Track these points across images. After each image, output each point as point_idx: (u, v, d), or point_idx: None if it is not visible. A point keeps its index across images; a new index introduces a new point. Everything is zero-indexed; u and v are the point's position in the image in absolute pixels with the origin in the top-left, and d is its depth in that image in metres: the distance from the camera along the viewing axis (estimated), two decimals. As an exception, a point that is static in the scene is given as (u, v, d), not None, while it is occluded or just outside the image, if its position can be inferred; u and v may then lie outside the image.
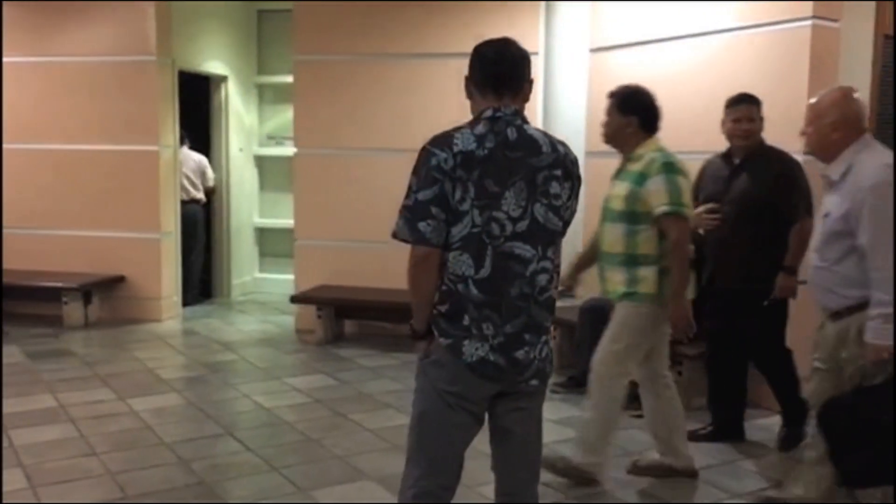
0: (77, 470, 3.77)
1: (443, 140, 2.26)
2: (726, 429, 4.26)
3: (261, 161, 8.51)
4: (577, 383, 5.03)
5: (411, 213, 2.24)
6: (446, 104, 6.15)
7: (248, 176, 8.41)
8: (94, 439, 4.16)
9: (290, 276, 7.89)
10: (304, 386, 5.19)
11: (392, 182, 6.36)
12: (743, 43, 4.93)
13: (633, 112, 3.52)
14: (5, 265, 6.85)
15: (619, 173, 3.58)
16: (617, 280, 3.51)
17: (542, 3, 6.19)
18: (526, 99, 2.39)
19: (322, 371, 5.55)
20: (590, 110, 5.94)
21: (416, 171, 2.26)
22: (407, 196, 2.26)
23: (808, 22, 4.60)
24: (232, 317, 7.39)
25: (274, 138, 8.45)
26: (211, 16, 7.67)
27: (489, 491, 2.67)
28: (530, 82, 2.39)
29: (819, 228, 3.15)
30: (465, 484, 2.50)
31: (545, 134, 2.37)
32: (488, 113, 2.30)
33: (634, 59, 5.62)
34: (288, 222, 7.96)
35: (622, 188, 3.48)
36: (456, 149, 2.22)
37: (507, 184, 2.25)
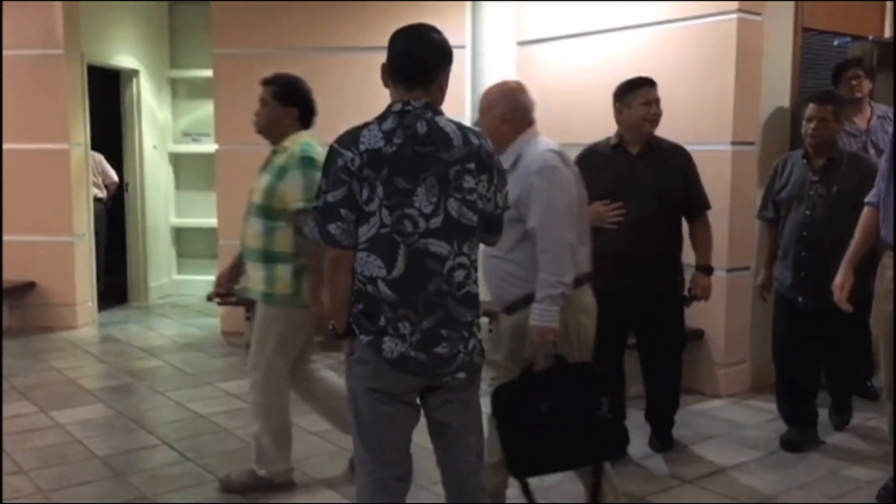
0: (6, 490, 3.52)
1: (349, 139, 2.23)
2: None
3: (176, 158, 8.21)
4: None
5: (322, 215, 2.24)
6: (367, 99, 6.06)
7: (162, 174, 8.10)
8: (20, 456, 3.91)
9: (210, 277, 7.65)
10: (239, 390, 5.01)
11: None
12: (670, 36, 5.02)
13: (294, 103, 3.46)
14: None
15: (265, 166, 3.47)
16: (256, 278, 3.40)
17: (469, 3, 6.17)
18: (442, 90, 2.34)
19: (255, 374, 5.38)
20: (518, 104, 5.95)
21: (325, 172, 2.25)
22: (316, 197, 2.26)
23: (734, 16, 4.72)
24: (151, 321, 7.11)
25: (189, 135, 8.16)
26: (120, 7, 7.34)
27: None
28: (447, 71, 2.33)
29: None
30: (419, 484, 2.47)
31: (459, 126, 2.33)
32: (397, 107, 2.27)
33: (561, 53, 5.66)
34: (206, 221, 7.75)
35: (263, 181, 3.39)
36: (362, 147, 2.20)
37: (419, 180, 2.22)
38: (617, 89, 3.75)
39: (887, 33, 5.54)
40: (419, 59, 2.28)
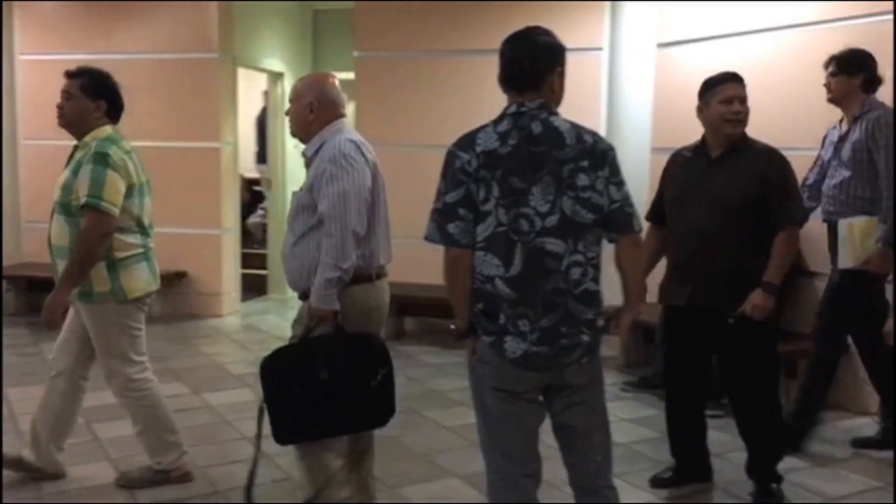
0: (163, 464, 3.80)
1: (466, 141, 2.32)
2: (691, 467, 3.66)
3: (315, 158, 8.53)
4: (647, 384, 4.99)
5: (441, 216, 2.30)
6: (504, 101, 6.13)
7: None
8: (177, 434, 4.19)
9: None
10: (373, 382, 5.19)
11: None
12: (821, 38, 4.84)
13: (102, 96, 3.40)
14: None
15: (68, 161, 3.41)
16: None
17: (608, 3, 6.14)
18: (554, 89, 2.37)
19: (388, 368, 5.55)
20: (656, 106, 5.89)
21: (443, 174, 2.33)
22: (436, 199, 2.33)
23: (889, 17, 4.51)
24: (289, 313, 7.39)
25: (329, 135, 8.47)
26: (268, 13, 7.72)
27: None
28: (558, 72, 2.36)
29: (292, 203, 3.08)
30: (553, 483, 2.51)
31: (573, 125, 2.35)
32: (512, 109, 2.34)
33: (703, 55, 5.55)
34: (343, 219, 8.03)
35: (62, 178, 3.33)
36: (479, 149, 2.27)
37: (534, 179, 2.26)
38: (700, 87, 3.41)
39: None
40: (525, 64, 2.35)
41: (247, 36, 7.32)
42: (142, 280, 3.40)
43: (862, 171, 3.89)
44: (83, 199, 3.19)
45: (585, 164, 2.30)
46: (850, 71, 4.01)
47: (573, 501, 2.56)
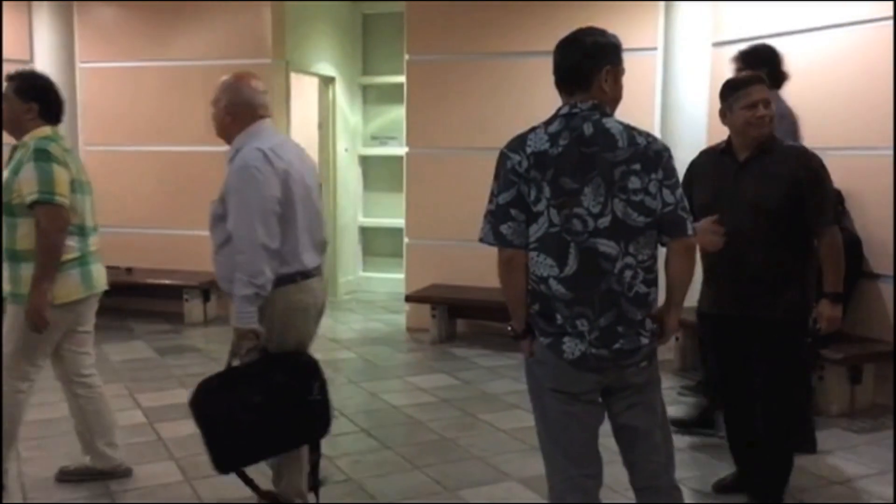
0: (227, 464, 3.85)
1: (517, 142, 2.33)
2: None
3: (365, 161, 8.60)
4: (705, 388, 4.91)
5: (494, 217, 2.31)
6: (556, 102, 6.11)
7: (352, 176, 8.51)
8: (237, 434, 4.24)
9: (394, 276, 7.99)
10: (428, 385, 5.21)
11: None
12: (881, 35, 4.73)
13: (34, 98, 3.40)
14: (131, 263, 7.05)
15: (7, 162, 3.40)
16: (5, 277, 3.31)
17: (662, 3, 6.08)
18: (604, 90, 2.34)
19: (442, 370, 5.56)
20: (711, 105, 5.79)
21: (496, 176, 2.34)
22: (490, 201, 2.34)
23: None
24: (340, 315, 7.48)
25: (378, 138, 8.53)
26: (319, 18, 7.79)
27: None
28: (609, 70, 2.33)
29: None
30: (612, 488, 2.49)
31: (626, 127, 2.33)
32: (564, 110, 2.34)
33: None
34: (391, 222, 8.09)
35: (3, 178, 3.31)
36: (529, 150, 2.28)
37: (585, 180, 2.25)
38: (721, 88, 3.29)
39: None
40: (571, 66, 2.35)
41: (298, 41, 7.39)
42: (68, 287, 3.37)
43: None
44: (34, 196, 3.21)
45: (637, 166, 2.28)
46: (754, 65, 3.96)
47: (634, 503, 2.54)
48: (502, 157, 2.33)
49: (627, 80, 2.45)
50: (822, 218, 3.14)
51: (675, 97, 6.12)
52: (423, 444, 4.17)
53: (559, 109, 2.36)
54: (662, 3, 6.07)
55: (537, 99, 6.29)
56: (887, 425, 4.40)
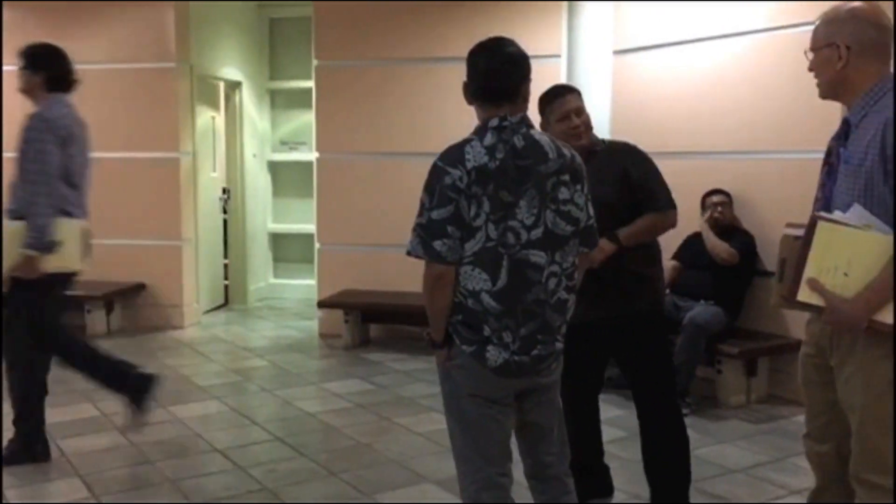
0: (136, 479, 3.77)
1: (454, 156, 2.27)
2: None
3: (274, 166, 8.50)
4: (614, 384, 5.06)
5: (425, 231, 2.26)
6: (466, 108, 6.19)
7: (261, 182, 8.40)
8: (146, 447, 4.15)
9: (305, 282, 7.94)
10: (342, 391, 5.20)
11: (415, 186, 6.42)
12: (775, 43, 4.99)
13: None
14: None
15: None
16: None
17: (565, 3, 6.24)
18: (525, 101, 2.39)
19: (356, 376, 5.56)
20: (615, 112, 6.00)
21: (428, 189, 2.28)
22: (420, 214, 2.29)
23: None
24: (252, 323, 7.38)
25: (287, 144, 8.45)
26: (224, 22, 7.67)
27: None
28: (528, 82, 2.38)
29: None
30: (518, 481, 2.56)
31: (551, 139, 2.39)
32: (494, 122, 2.31)
33: (659, 61, 5.68)
34: (301, 227, 8.02)
35: None
36: (469, 165, 2.24)
37: (520, 193, 2.27)
38: (537, 103, 3.14)
39: None
40: (503, 78, 2.34)
41: (203, 44, 7.25)
42: None
43: None
44: None
45: (567, 177, 2.35)
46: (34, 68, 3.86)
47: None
48: (439, 172, 2.26)
49: (533, 87, 2.51)
50: (654, 202, 3.11)
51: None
52: (339, 450, 4.16)
53: (487, 121, 2.32)
54: (565, 11, 6.24)
55: (446, 104, 6.38)
56: (782, 415, 4.64)
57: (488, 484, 2.43)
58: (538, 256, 2.29)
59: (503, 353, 2.31)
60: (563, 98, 3.10)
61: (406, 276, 6.41)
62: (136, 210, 6.91)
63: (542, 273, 2.30)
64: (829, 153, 2.38)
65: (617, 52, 6.00)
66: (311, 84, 6.93)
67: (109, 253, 6.89)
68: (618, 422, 4.44)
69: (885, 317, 2.13)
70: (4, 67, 7.02)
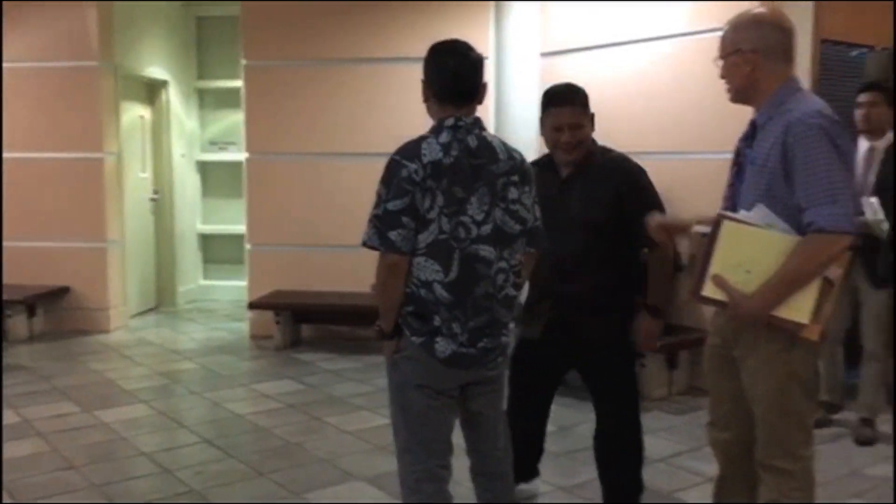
0: (59, 484, 3.70)
1: (411, 150, 2.38)
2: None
3: (203, 167, 8.40)
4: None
5: (381, 222, 2.35)
6: (396, 108, 6.25)
7: (190, 182, 8.29)
8: (69, 453, 4.07)
9: (236, 283, 7.86)
10: (273, 391, 5.19)
11: (346, 186, 6.49)
12: (693, 47, 5.16)
13: None
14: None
15: None
16: None
17: (492, 3, 6.32)
18: (480, 101, 2.50)
19: (287, 376, 5.55)
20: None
21: (385, 181, 2.37)
22: (376, 206, 2.38)
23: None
24: (181, 325, 7.28)
25: (216, 144, 8.36)
26: (149, 20, 7.54)
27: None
28: (485, 84, 2.49)
29: None
30: (456, 479, 2.62)
31: (502, 142, 2.51)
32: (450, 122, 2.42)
33: (585, 64, 5.81)
34: (232, 228, 7.95)
35: None
36: (425, 159, 2.35)
37: (472, 190, 2.38)
38: (542, 94, 3.07)
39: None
40: (469, 81, 2.44)
41: (127, 43, 7.12)
42: None
43: None
44: None
45: (516, 178, 2.46)
46: None
47: (474, 492, 2.68)
48: (396, 165, 2.35)
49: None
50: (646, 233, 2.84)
51: (507, 105, 6.40)
52: (269, 451, 4.16)
53: (443, 120, 2.41)
54: (493, 13, 6.33)
55: (376, 105, 6.42)
56: (701, 406, 4.80)
57: (428, 475, 2.50)
58: (487, 251, 2.40)
59: (451, 344, 2.40)
60: (562, 108, 2.93)
61: (337, 276, 6.43)
62: (60, 211, 6.76)
63: (491, 268, 2.41)
64: (737, 154, 2.48)
65: (544, 55, 6.13)
66: (240, 83, 6.88)
67: (32, 255, 6.77)
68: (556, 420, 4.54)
69: (784, 312, 2.23)
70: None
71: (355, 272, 6.38)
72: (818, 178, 2.17)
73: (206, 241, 8.49)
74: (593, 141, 3.05)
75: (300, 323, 6.52)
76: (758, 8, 2.46)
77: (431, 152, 2.36)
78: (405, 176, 2.33)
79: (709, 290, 2.31)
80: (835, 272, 2.22)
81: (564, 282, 2.98)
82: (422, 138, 2.41)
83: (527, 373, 3.14)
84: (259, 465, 3.93)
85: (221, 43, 8.09)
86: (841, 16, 5.21)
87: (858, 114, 4.20)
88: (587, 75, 5.81)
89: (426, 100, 2.49)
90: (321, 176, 6.57)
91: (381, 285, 2.41)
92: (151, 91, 7.77)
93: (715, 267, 2.29)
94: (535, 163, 3.06)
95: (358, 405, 4.89)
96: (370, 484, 3.72)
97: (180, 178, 8.08)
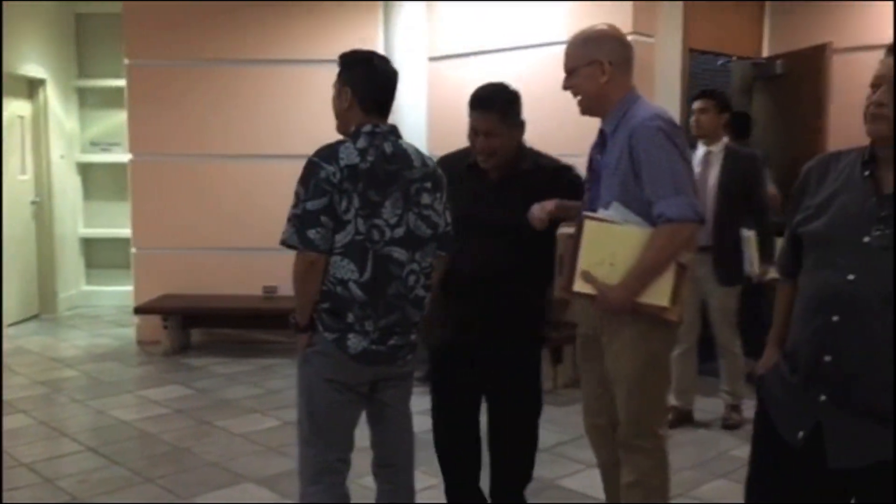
0: (-69, 499, 3.55)
1: (329, 154, 2.47)
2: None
3: (84, 168, 8.13)
4: (428, 378, 5.28)
5: (300, 221, 2.44)
6: (285, 110, 6.25)
7: (70, 184, 8.01)
8: (-59, 467, 3.91)
9: (121, 288, 7.64)
10: (161, 397, 5.10)
11: (235, 188, 6.43)
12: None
13: None
14: None
15: None
16: None
17: (380, 3, 6.37)
18: (390, 110, 2.62)
19: (176, 381, 5.46)
20: (430, 117, 6.24)
21: (303, 182, 2.45)
22: (295, 205, 2.46)
23: (630, 37, 5.08)
24: (63, 332, 7.03)
25: (98, 145, 8.10)
26: (24, 17, 7.22)
27: (370, 482, 2.86)
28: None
29: None
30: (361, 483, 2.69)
31: (416, 149, 2.63)
32: (367, 128, 2.51)
33: (471, 69, 5.96)
34: (116, 231, 7.73)
35: None
36: (342, 162, 2.44)
37: (387, 194, 2.49)
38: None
39: (764, 53, 6.07)
40: (390, 92, 2.57)
41: (3, 40, 6.83)
42: None
43: None
44: None
45: (429, 185, 2.57)
46: None
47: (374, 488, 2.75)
48: (314, 167, 2.43)
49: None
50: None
51: (397, 107, 6.47)
52: (156, 456, 4.10)
53: (361, 127, 2.49)
54: (381, 13, 6.40)
55: (263, 106, 6.38)
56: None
57: (327, 468, 2.58)
58: (400, 253, 2.50)
59: (363, 341, 2.48)
60: (475, 113, 2.87)
61: (227, 279, 6.37)
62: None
63: (403, 269, 2.51)
64: (591, 161, 2.63)
65: (432, 59, 6.25)
66: (122, 83, 6.70)
67: None
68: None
69: (647, 298, 2.42)
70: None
71: (246, 274, 6.36)
72: (662, 173, 2.38)
73: (88, 245, 8.22)
74: (522, 146, 2.96)
75: (189, 327, 6.42)
76: (602, 24, 2.61)
77: (349, 156, 2.44)
78: (323, 177, 2.41)
79: (579, 285, 2.48)
80: (686, 256, 2.42)
81: (482, 288, 2.90)
82: (340, 142, 2.50)
83: (447, 380, 3.09)
84: (146, 471, 3.88)
85: (103, 41, 7.84)
86: (708, 26, 5.54)
87: (692, 120, 4.51)
88: (474, 80, 5.93)
89: (349, 107, 2.53)
90: (209, 177, 6.48)
91: (299, 282, 2.49)
92: (31, 90, 7.46)
93: (582, 263, 2.46)
94: (453, 156, 3.06)
95: (249, 408, 4.88)
96: (261, 485, 3.74)
97: (60, 181, 7.79)
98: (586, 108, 2.59)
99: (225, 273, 6.38)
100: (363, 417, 2.70)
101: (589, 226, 2.46)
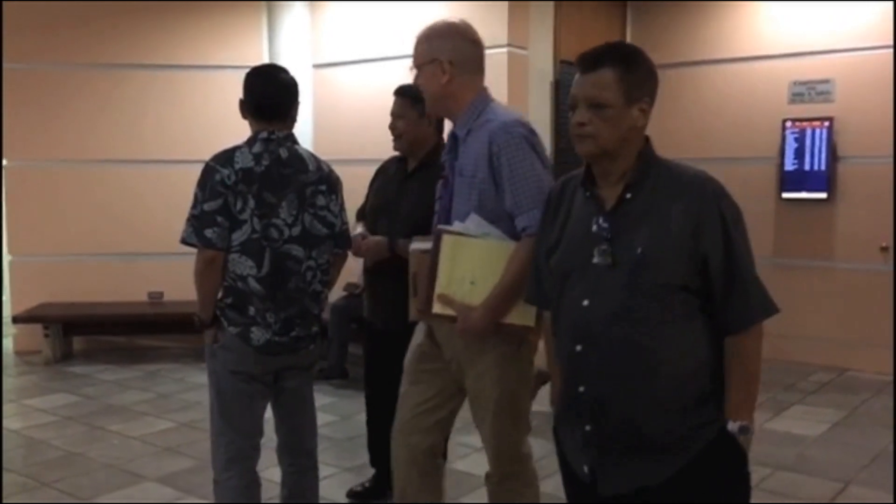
0: None
1: (225, 158, 2.66)
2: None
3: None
4: (325, 375, 5.45)
5: (198, 221, 2.62)
6: (169, 115, 6.26)
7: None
8: None
9: (-4, 297, 7.38)
10: (47, 405, 5.04)
11: (118, 193, 6.39)
12: (490, 63, 5.60)
13: None
14: None
15: None
16: None
17: (264, 4, 6.45)
18: (293, 119, 2.79)
19: (61, 390, 5.39)
20: (316, 122, 6.39)
21: (201, 185, 2.64)
22: (193, 206, 2.64)
23: (504, 49, 5.44)
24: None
25: (-35, 149, 7.78)
26: None
27: (274, 474, 3.03)
28: (297, 105, 2.78)
29: None
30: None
31: (312, 154, 2.83)
32: (263, 134, 2.70)
33: (356, 76, 6.16)
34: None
35: None
36: (237, 166, 2.63)
37: (282, 195, 2.68)
38: None
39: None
40: (276, 100, 2.70)
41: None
42: None
43: None
44: None
45: (324, 187, 2.74)
46: None
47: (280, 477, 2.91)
48: (210, 170, 2.59)
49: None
50: None
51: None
52: (48, 462, 4.09)
53: (257, 133, 2.65)
54: (265, 16, 6.49)
55: (146, 111, 6.36)
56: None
57: (238, 455, 2.73)
58: (297, 251, 2.68)
59: (266, 333, 2.66)
60: (396, 97, 3.29)
61: (111, 285, 6.31)
62: None
63: (301, 265, 2.70)
64: (442, 167, 2.51)
65: (316, 66, 6.40)
66: (-5, 86, 6.50)
67: None
68: (330, 408, 4.84)
69: (512, 318, 2.27)
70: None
71: (129, 281, 6.32)
72: (527, 184, 2.25)
73: (-45, 254, 7.88)
74: (437, 142, 3.18)
75: (71, 335, 6.31)
76: (451, 19, 2.48)
77: (243, 160, 2.62)
78: (218, 180, 2.58)
79: (437, 307, 2.31)
80: None
81: (391, 276, 3.04)
82: (236, 147, 2.67)
83: (373, 366, 3.39)
84: (39, 476, 3.88)
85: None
86: (574, 38, 5.93)
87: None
88: (359, 88, 6.18)
89: (244, 117, 2.74)
90: (90, 183, 6.40)
91: (199, 278, 2.65)
92: None
93: (441, 282, 2.29)
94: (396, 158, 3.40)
95: (141, 411, 4.90)
96: (162, 483, 3.81)
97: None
98: (431, 108, 2.52)
99: (108, 279, 6.32)
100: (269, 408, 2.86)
101: (446, 241, 2.29)
